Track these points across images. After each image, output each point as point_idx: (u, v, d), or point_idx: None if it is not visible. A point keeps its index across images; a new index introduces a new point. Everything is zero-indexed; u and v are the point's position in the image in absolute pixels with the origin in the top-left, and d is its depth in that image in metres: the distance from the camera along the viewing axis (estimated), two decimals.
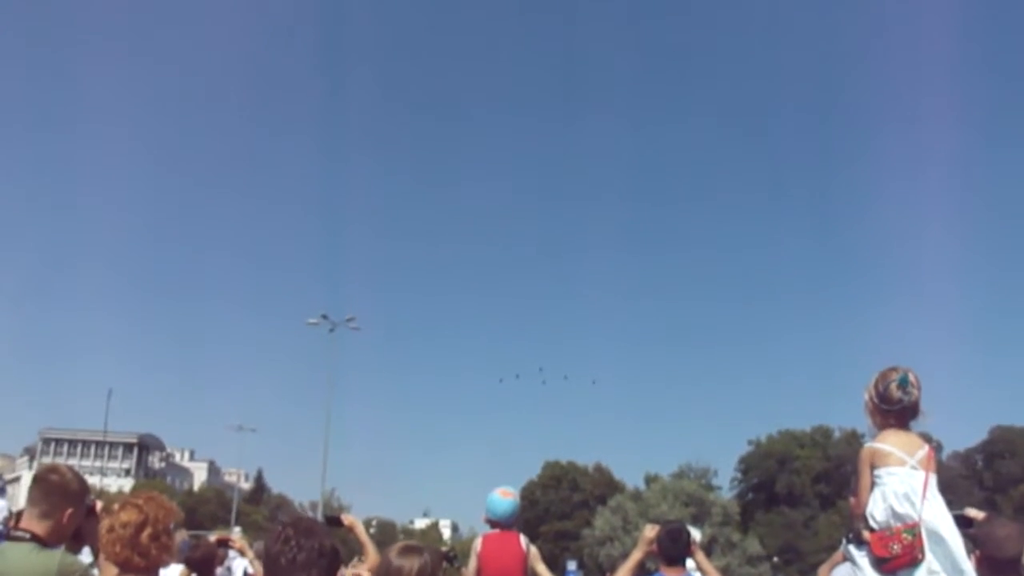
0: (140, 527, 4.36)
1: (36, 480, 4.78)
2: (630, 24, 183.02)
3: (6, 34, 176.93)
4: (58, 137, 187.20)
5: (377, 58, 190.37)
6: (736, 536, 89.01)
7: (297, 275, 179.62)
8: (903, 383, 5.52)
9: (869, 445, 5.66)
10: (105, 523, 4.44)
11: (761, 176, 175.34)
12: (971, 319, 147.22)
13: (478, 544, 7.87)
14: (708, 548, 76.10)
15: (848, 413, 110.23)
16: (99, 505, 5.11)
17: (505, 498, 7.85)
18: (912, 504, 5.31)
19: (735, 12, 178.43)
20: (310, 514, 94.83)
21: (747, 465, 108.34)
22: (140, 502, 4.48)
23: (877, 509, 5.41)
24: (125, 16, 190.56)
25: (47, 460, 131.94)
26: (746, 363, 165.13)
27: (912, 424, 5.63)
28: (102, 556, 4.92)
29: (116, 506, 4.48)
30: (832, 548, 6.61)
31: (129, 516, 4.38)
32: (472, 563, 7.77)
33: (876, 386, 5.63)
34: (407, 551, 4.66)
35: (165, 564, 4.72)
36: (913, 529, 5.22)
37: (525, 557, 7.62)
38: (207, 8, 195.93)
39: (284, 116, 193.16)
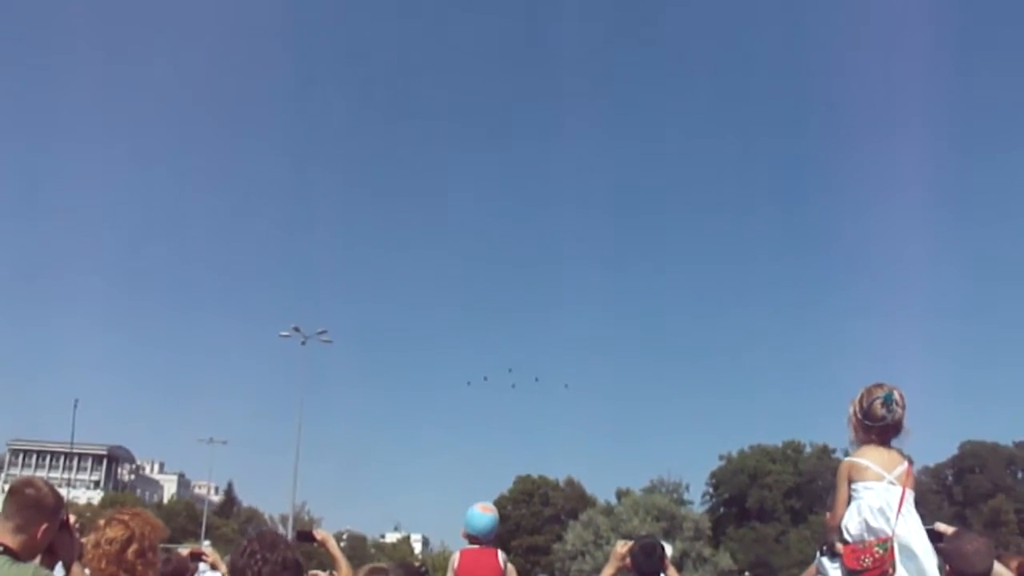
0: (127, 543, 4.41)
1: (11, 493, 4.69)
2: (605, 38, 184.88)
3: None
4: (28, 146, 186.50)
5: (346, 67, 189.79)
6: (707, 551, 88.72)
7: (269, 287, 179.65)
8: (887, 401, 5.58)
9: (848, 459, 5.73)
10: (91, 538, 4.47)
11: (735, 191, 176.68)
12: (942, 335, 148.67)
13: (456, 560, 7.81)
14: (680, 563, 75.89)
15: (819, 428, 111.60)
16: (72, 519, 4.97)
17: (485, 513, 7.82)
18: (887, 519, 5.35)
19: (711, 28, 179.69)
20: (280, 528, 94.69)
21: (718, 480, 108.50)
22: (127, 518, 4.51)
23: (852, 522, 5.45)
24: (102, 21, 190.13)
25: (15, 471, 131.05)
26: (718, 378, 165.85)
27: (894, 441, 5.69)
28: (74, 570, 4.93)
29: (102, 522, 4.50)
30: (804, 563, 6.82)
31: (116, 532, 4.43)
32: None
33: (861, 402, 5.69)
34: (374, 572, 4.66)
35: None
36: (885, 543, 5.27)
37: (503, 573, 7.57)
38: (178, 19, 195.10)
39: (255, 126, 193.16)
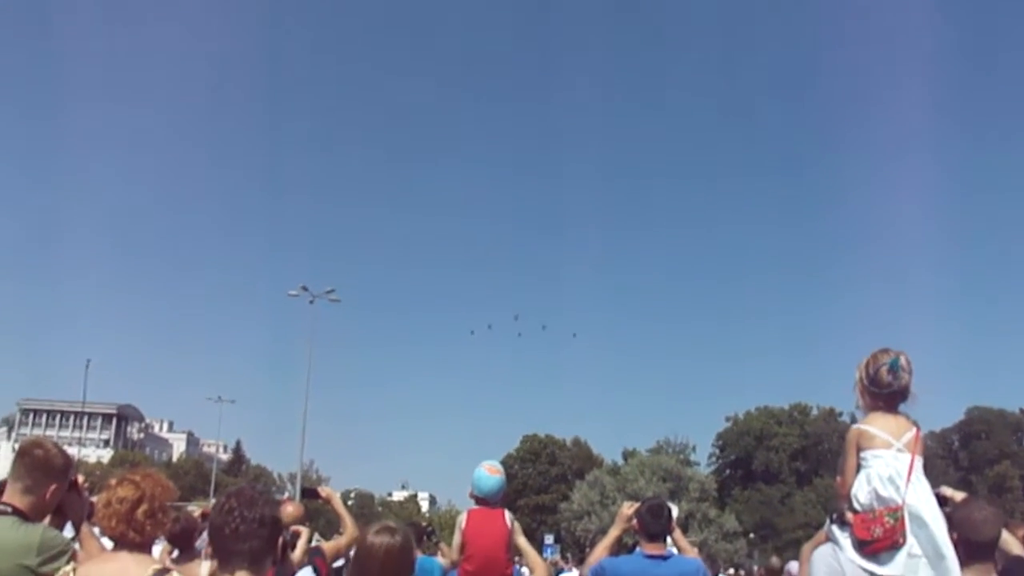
0: (136, 503, 4.37)
1: (20, 454, 4.77)
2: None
3: None
4: (38, 112, 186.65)
5: (351, 29, 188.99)
6: (713, 512, 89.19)
7: (277, 247, 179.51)
8: (894, 366, 5.51)
9: (856, 426, 5.66)
10: (102, 497, 4.44)
11: (742, 154, 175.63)
12: (949, 300, 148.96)
13: (463, 520, 7.70)
14: (685, 524, 76.35)
15: (826, 391, 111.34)
16: (81, 479, 5.06)
17: (492, 475, 7.73)
18: (896, 487, 5.29)
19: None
20: (289, 486, 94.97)
21: (724, 441, 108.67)
22: (138, 478, 4.49)
23: (861, 491, 5.39)
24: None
25: (25, 431, 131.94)
26: (725, 339, 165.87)
27: (902, 407, 5.61)
28: (83, 530, 5.01)
29: (114, 481, 4.47)
30: (808, 525, 6.83)
31: (126, 492, 4.39)
32: (456, 538, 7.65)
33: (867, 368, 5.62)
34: (383, 530, 4.66)
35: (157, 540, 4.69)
36: (896, 513, 5.21)
37: (510, 534, 7.53)
38: None
39: (257, 85, 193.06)
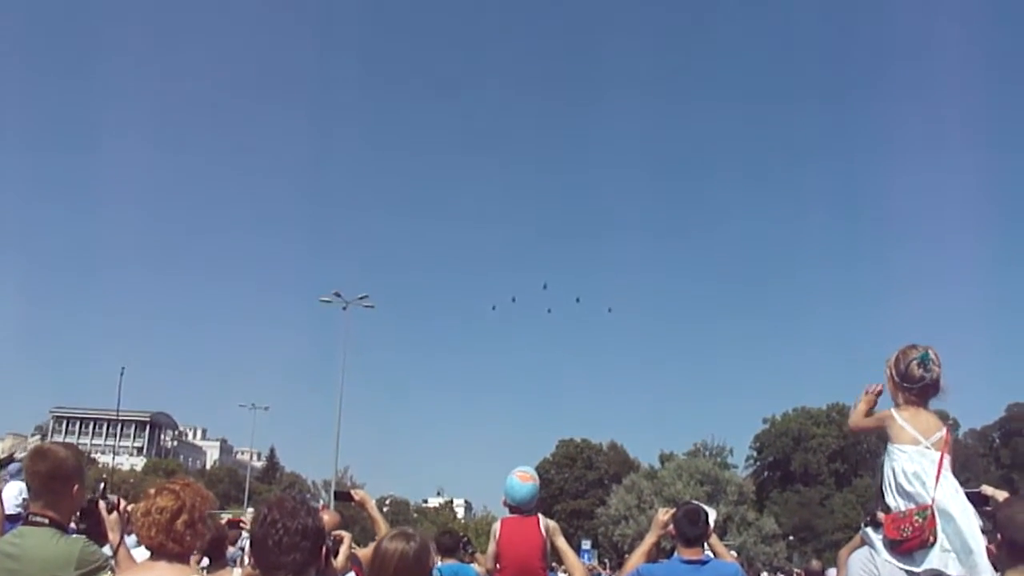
0: (176, 513, 4.37)
1: (30, 473, 4.82)
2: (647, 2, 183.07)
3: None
4: (69, 124, 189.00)
5: (383, 39, 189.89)
6: (751, 515, 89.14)
7: (310, 254, 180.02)
8: (924, 360, 5.55)
9: (891, 410, 5.66)
10: (141, 507, 4.44)
11: (782, 154, 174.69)
12: (988, 296, 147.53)
13: (497, 529, 7.71)
14: (723, 527, 76.28)
15: (863, 389, 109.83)
16: (123, 504, 5.19)
17: (525, 483, 7.67)
18: (923, 483, 5.33)
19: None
20: (323, 493, 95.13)
21: (762, 443, 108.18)
22: (177, 488, 4.50)
23: (889, 491, 5.46)
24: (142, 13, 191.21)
25: (59, 439, 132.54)
26: (762, 340, 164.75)
27: (934, 401, 5.66)
28: (121, 551, 5.12)
29: (153, 490, 4.49)
30: (848, 527, 7.10)
31: (166, 502, 4.39)
32: (491, 547, 7.67)
33: (897, 363, 5.66)
34: (398, 536, 4.70)
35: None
36: (924, 511, 5.23)
37: (544, 542, 7.49)
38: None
39: (285, 95, 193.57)
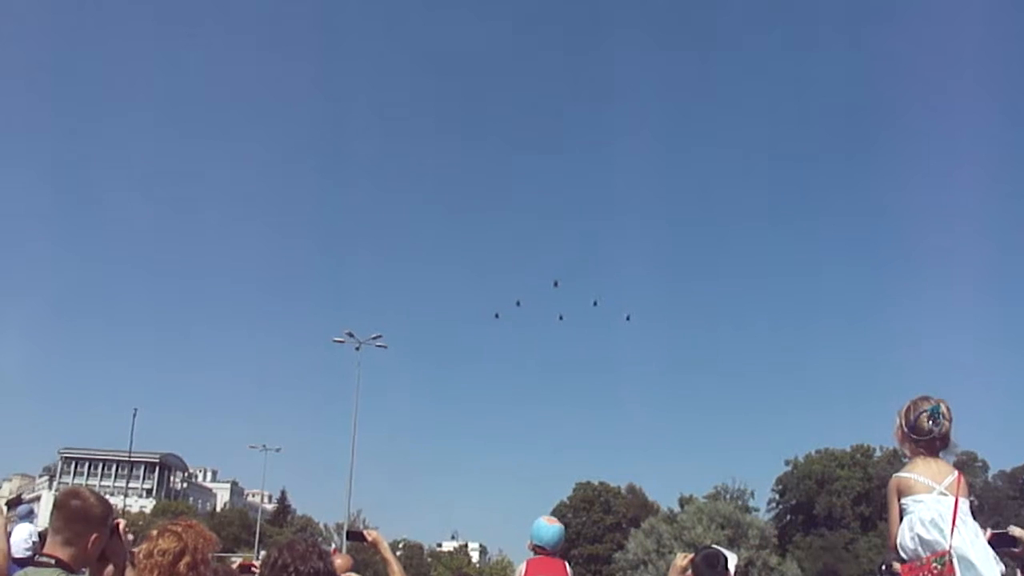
0: (179, 556, 4.49)
1: (58, 506, 4.70)
2: (660, 49, 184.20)
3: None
4: (81, 166, 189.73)
5: (399, 81, 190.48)
6: (774, 559, 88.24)
7: (321, 296, 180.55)
8: (934, 414, 5.57)
9: (895, 475, 5.73)
10: (144, 548, 4.58)
11: (801, 200, 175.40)
12: (1015, 340, 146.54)
13: (523, 569, 7.90)
14: (745, 572, 75.25)
15: (889, 431, 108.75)
16: (122, 524, 4.90)
17: (552, 524, 7.96)
18: (940, 531, 5.30)
19: (767, 38, 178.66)
20: (335, 537, 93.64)
21: (785, 486, 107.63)
22: (179, 530, 4.61)
23: (906, 538, 5.42)
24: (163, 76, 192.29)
25: (67, 480, 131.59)
26: (784, 382, 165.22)
27: (942, 455, 5.64)
28: None
29: (155, 532, 4.61)
30: (873, 572, 6.94)
31: (168, 544, 4.52)
32: None
33: (907, 415, 5.68)
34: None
35: None
36: (943, 558, 5.24)
37: None
38: (210, 39, 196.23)
39: (294, 141, 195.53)
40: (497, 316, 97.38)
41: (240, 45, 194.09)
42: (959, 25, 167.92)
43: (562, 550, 8.16)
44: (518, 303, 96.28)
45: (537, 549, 7.85)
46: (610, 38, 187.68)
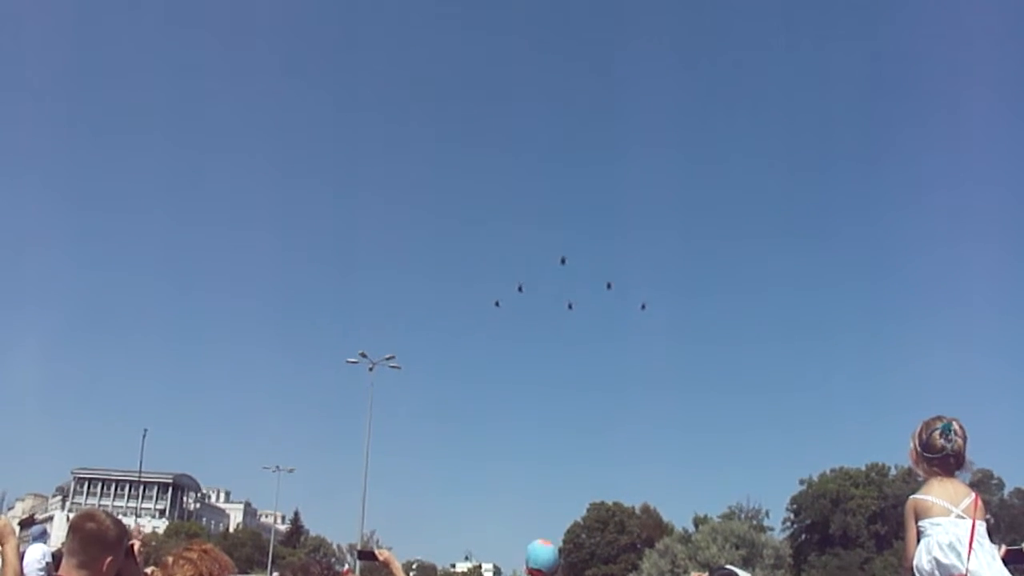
0: None
1: (73, 529, 4.72)
2: (677, 63, 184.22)
3: None
4: (89, 194, 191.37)
5: (414, 103, 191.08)
6: None
7: (335, 315, 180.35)
8: (946, 431, 5.55)
9: (912, 497, 5.64)
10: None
11: (813, 218, 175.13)
12: None
13: None
14: None
15: (904, 450, 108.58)
16: (137, 546, 5.00)
17: (546, 546, 7.79)
18: (958, 554, 5.26)
19: (785, 54, 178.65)
20: (348, 558, 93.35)
21: (799, 505, 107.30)
22: (194, 556, 4.61)
23: (923, 562, 5.38)
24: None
25: (80, 500, 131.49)
26: (798, 401, 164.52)
27: (958, 474, 5.62)
28: None
29: (170, 559, 4.60)
30: None
31: (184, 573, 4.52)
32: None
33: (920, 434, 5.66)
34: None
35: None
36: None
37: None
38: (215, 63, 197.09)
39: (308, 160, 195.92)
40: (497, 304, 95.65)
41: (260, 67, 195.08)
42: (978, 32, 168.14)
43: (576, 570, 8.02)
44: (519, 288, 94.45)
45: (534, 572, 7.75)
46: (624, 49, 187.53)
